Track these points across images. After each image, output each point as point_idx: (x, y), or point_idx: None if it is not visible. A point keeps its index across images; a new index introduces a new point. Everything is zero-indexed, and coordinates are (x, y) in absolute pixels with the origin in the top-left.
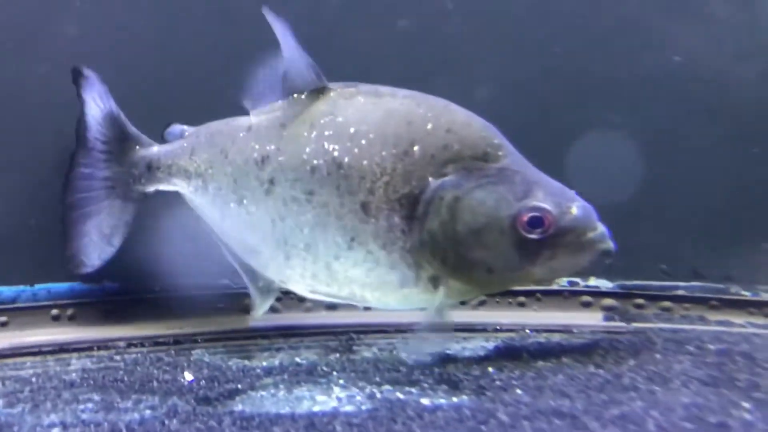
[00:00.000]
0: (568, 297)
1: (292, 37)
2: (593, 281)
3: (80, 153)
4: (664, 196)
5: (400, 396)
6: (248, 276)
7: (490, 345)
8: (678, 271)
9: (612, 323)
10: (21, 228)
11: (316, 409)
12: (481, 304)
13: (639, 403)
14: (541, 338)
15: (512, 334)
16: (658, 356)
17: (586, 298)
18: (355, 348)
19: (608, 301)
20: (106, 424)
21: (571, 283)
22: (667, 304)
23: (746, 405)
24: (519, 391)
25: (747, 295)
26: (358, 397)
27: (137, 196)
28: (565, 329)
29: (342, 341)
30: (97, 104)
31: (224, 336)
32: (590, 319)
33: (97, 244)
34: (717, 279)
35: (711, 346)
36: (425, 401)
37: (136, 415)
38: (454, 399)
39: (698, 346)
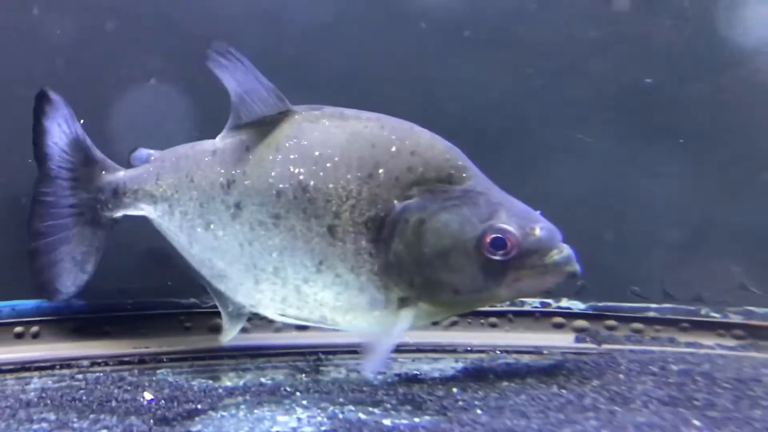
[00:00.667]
0: (540, 318)
1: (250, 64)
2: (565, 302)
3: (45, 181)
4: (636, 218)
5: (362, 416)
6: (218, 300)
7: (459, 366)
8: (649, 292)
9: (583, 344)
10: None
11: (274, 429)
12: (453, 324)
13: (593, 423)
14: (511, 359)
15: (482, 355)
16: (621, 377)
17: (558, 320)
18: (322, 368)
19: (580, 323)
20: None
21: (543, 304)
22: (638, 325)
23: (697, 423)
24: (479, 411)
25: (717, 316)
26: (319, 418)
27: (106, 222)
28: (536, 350)
29: (310, 362)
30: (62, 129)
31: (191, 356)
32: (562, 340)
33: (70, 271)
34: (687, 301)
35: (674, 367)
36: (386, 421)
37: None
38: (415, 419)
39: (662, 367)
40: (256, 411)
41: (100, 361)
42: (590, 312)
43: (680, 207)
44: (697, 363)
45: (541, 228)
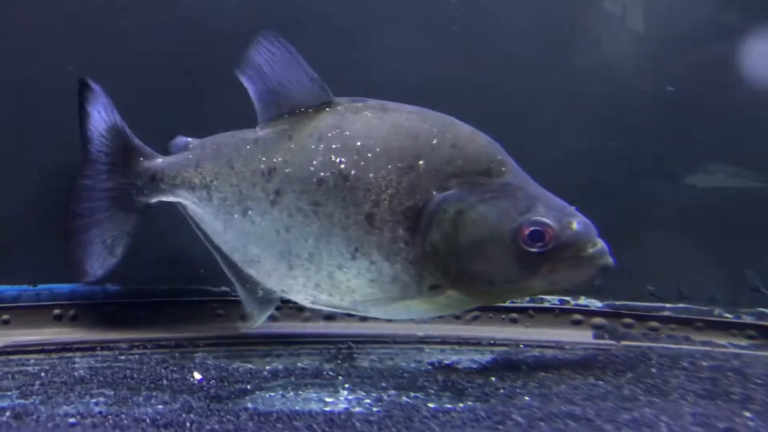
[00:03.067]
0: (559, 314)
1: (297, 53)
2: (583, 300)
3: (84, 164)
4: (653, 220)
5: (408, 400)
6: (246, 286)
7: (488, 357)
8: (665, 292)
9: (601, 341)
10: (25, 229)
11: (328, 408)
12: (475, 318)
13: (647, 410)
14: (536, 352)
15: (507, 348)
16: (653, 371)
17: (577, 316)
18: (354, 356)
19: (598, 320)
20: (124, 416)
21: (562, 302)
22: (654, 324)
23: (747, 414)
24: (527, 398)
25: (730, 317)
26: (367, 400)
27: (140, 207)
28: (558, 345)
29: (341, 350)
30: (101, 117)
31: (225, 341)
32: (580, 336)
33: (99, 253)
34: (702, 301)
35: (704, 363)
36: (433, 405)
37: (150, 410)
38: (461, 404)
39: (691, 362)
40: (301, 392)
41: (138, 344)
42: (607, 310)
43: (693, 208)
44: (724, 359)
45: (578, 222)
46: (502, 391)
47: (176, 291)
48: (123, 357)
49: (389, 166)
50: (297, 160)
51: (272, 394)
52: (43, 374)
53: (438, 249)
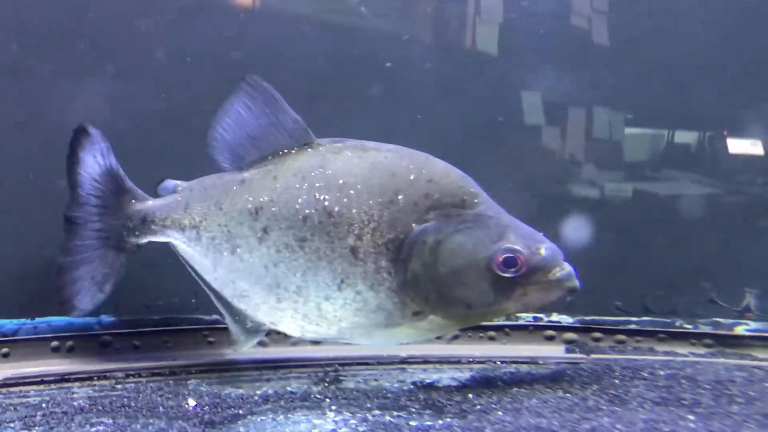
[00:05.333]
0: (533, 331)
1: (280, 97)
2: (555, 317)
3: (76, 205)
4: (619, 241)
5: (391, 419)
6: (236, 318)
7: (466, 375)
8: (631, 307)
9: (573, 355)
10: (23, 264)
11: (316, 431)
12: (455, 338)
13: (606, 419)
14: (512, 368)
15: (484, 365)
16: (617, 381)
17: (550, 332)
18: (341, 378)
19: (569, 335)
20: None
21: (536, 319)
22: (621, 337)
23: (691, 418)
24: (500, 413)
25: (689, 327)
26: (353, 421)
27: (130, 247)
28: (532, 360)
29: (328, 373)
30: (97, 161)
31: (216, 368)
32: (554, 351)
33: (89, 290)
34: (664, 314)
35: (661, 372)
36: (414, 423)
37: None
38: (440, 421)
39: (651, 372)
40: (290, 415)
41: (133, 372)
42: (578, 325)
43: (656, 227)
44: (680, 368)
45: (546, 248)
46: (478, 407)
47: (169, 320)
48: (119, 386)
49: (370, 202)
50: (282, 199)
51: (263, 418)
52: (44, 405)
53: (419, 277)
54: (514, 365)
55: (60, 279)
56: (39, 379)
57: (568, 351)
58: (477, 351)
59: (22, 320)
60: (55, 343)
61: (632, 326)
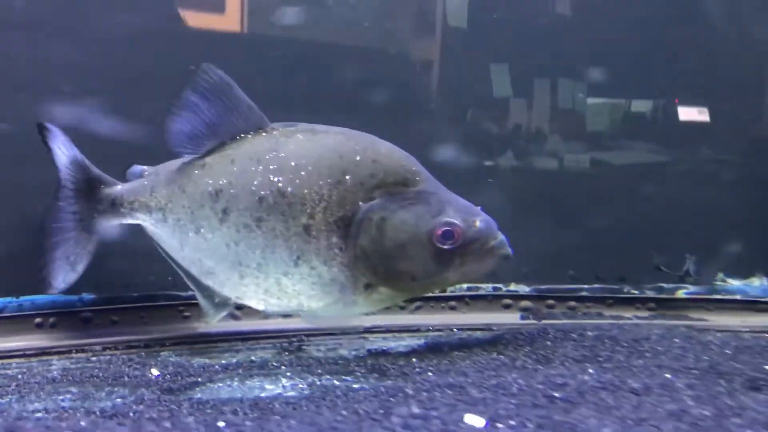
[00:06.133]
0: (492, 300)
1: (235, 84)
2: (513, 286)
3: (57, 189)
4: (575, 213)
5: (336, 383)
6: (205, 294)
7: (421, 342)
8: (583, 275)
9: (527, 321)
10: (8, 245)
11: (263, 394)
12: (418, 308)
13: (514, 375)
14: (465, 335)
15: (441, 333)
16: (548, 343)
17: (507, 301)
18: (304, 348)
19: (525, 303)
20: (82, 409)
21: (494, 289)
22: (572, 303)
23: (591, 371)
24: (430, 374)
25: (635, 293)
26: (301, 385)
27: (101, 229)
28: (486, 327)
29: (292, 343)
30: (62, 152)
31: (190, 340)
32: (510, 318)
33: (62, 268)
34: (613, 281)
35: (590, 333)
36: (356, 385)
37: (109, 403)
38: (378, 382)
39: (581, 334)
40: (247, 382)
41: (110, 345)
42: (533, 294)
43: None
44: (608, 330)
45: (480, 220)
46: (417, 369)
47: (147, 297)
48: (95, 358)
49: (320, 182)
50: (240, 182)
51: (220, 385)
52: (20, 376)
53: (367, 252)
54: (468, 332)
55: (40, 259)
56: (21, 353)
57: (522, 318)
58: (437, 320)
59: (8, 298)
60: (38, 320)
61: (584, 293)
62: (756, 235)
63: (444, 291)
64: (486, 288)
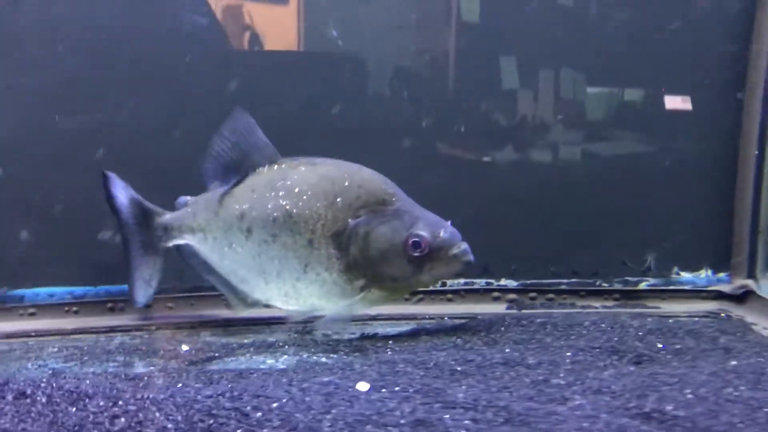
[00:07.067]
0: (483, 293)
1: (257, 127)
2: (503, 281)
3: (123, 226)
4: (556, 217)
5: (316, 358)
6: (239, 296)
7: (408, 328)
8: (562, 271)
9: (510, 311)
10: (88, 241)
11: (258, 366)
12: (420, 300)
13: (444, 354)
14: (451, 323)
15: (432, 321)
16: (501, 329)
17: (496, 294)
18: (312, 331)
19: (512, 296)
20: (123, 373)
21: (487, 283)
22: (551, 295)
23: (507, 350)
24: (388, 352)
25: (605, 285)
26: (292, 360)
27: (163, 251)
28: (472, 316)
29: (305, 327)
30: (122, 195)
31: (227, 324)
32: (497, 308)
33: (142, 287)
34: (587, 275)
35: (537, 320)
36: (328, 360)
37: (141, 369)
38: (345, 358)
39: (530, 321)
40: (254, 357)
41: (164, 327)
42: (519, 288)
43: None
44: (552, 317)
45: (444, 231)
46: (384, 349)
47: (196, 287)
48: (147, 336)
49: (318, 204)
50: (258, 205)
51: (232, 359)
52: (86, 348)
53: (357, 259)
54: (456, 320)
55: (128, 282)
56: (94, 330)
57: (508, 308)
58: (434, 310)
59: (88, 287)
60: (110, 305)
61: (562, 287)
62: (704, 230)
63: (444, 285)
64: (480, 283)
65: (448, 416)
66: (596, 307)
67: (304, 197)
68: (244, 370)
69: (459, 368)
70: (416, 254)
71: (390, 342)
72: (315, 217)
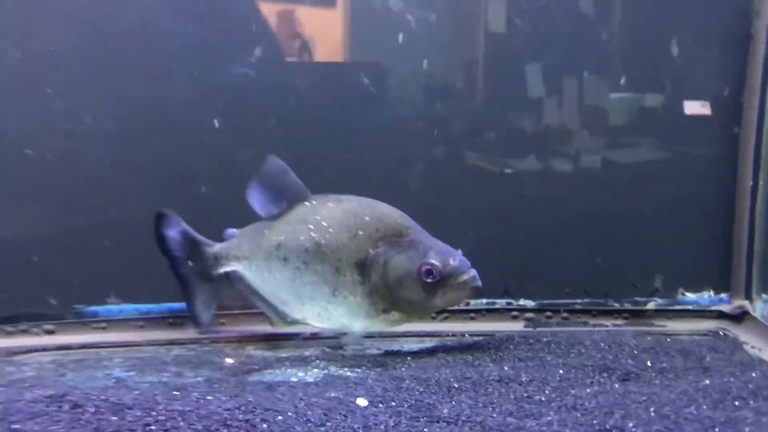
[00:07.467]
0: (504, 312)
1: (290, 169)
2: (522, 301)
3: (178, 260)
4: (572, 241)
5: (340, 372)
6: (280, 316)
7: (429, 345)
8: (576, 292)
9: (527, 329)
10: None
11: (292, 380)
12: (445, 318)
13: (448, 371)
14: (470, 340)
15: (453, 338)
16: (510, 347)
17: (515, 313)
18: (344, 346)
19: (529, 315)
20: (172, 383)
21: (507, 303)
22: (565, 314)
23: (506, 368)
24: (403, 369)
25: (616, 305)
26: (321, 373)
27: (215, 278)
28: (490, 334)
29: (336, 342)
30: (176, 229)
31: (270, 338)
32: (515, 327)
33: (202, 311)
34: (599, 296)
35: (543, 339)
36: (351, 374)
37: (189, 380)
38: (362, 372)
39: (537, 339)
40: (288, 370)
41: (217, 341)
42: (536, 307)
43: (592, 227)
44: (557, 336)
45: (453, 260)
46: (403, 367)
47: (244, 306)
48: (200, 349)
49: (343, 236)
50: (293, 237)
51: (270, 371)
52: (145, 358)
53: (378, 285)
54: (474, 337)
55: (188, 308)
56: (156, 343)
57: (525, 326)
58: (456, 328)
59: (152, 305)
60: (171, 320)
61: (577, 306)
62: (707, 254)
63: (468, 304)
64: (500, 303)
65: (426, 430)
66: (607, 326)
67: (331, 230)
68: (273, 383)
69: (456, 385)
70: (429, 281)
71: (408, 358)
72: (340, 247)
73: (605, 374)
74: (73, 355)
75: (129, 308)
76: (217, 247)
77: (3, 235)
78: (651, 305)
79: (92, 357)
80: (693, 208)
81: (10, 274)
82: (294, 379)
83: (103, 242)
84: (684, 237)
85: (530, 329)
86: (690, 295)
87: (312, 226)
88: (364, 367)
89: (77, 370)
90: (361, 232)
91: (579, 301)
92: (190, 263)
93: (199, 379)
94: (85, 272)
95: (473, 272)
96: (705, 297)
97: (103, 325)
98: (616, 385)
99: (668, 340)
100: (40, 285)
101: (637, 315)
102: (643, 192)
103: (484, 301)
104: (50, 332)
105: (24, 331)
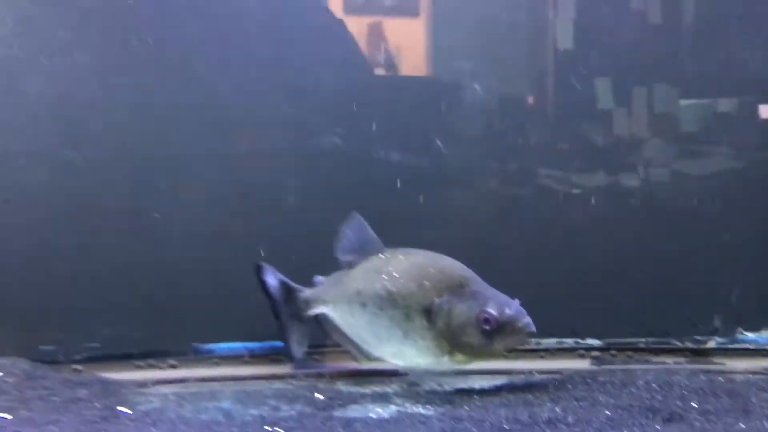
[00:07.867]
0: (571, 351)
1: (368, 225)
2: (589, 340)
3: (276, 303)
4: (635, 282)
5: (414, 410)
6: (363, 354)
7: (498, 382)
8: (639, 330)
9: (593, 367)
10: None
11: (371, 416)
12: (518, 357)
13: (504, 411)
14: (536, 378)
15: (522, 375)
16: (569, 386)
17: (582, 351)
18: (417, 384)
19: (595, 353)
20: (269, 417)
21: (576, 342)
22: (629, 352)
23: (557, 409)
24: (466, 408)
25: (678, 344)
26: (395, 409)
27: (307, 319)
28: (557, 371)
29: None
30: (273, 279)
31: (358, 374)
32: (581, 365)
33: (296, 348)
34: (660, 335)
35: (600, 378)
36: (422, 411)
37: (278, 414)
38: (428, 409)
39: (593, 379)
40: (369, 406)
41: (309, 375)
42: (602, 345)
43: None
44: (613, 375)
45: (509, 309)
46: (467, 406)
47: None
48: (296, 383)
49: (411, 285)
50: (369, 285)
51: (354, 405)
52: (250, 392)
53: (442, 330)
54: (542, 375)
55: (284, 345)
56: (259, 377)
57: (591, 364)
58: (526, 365)
59: (256, 343)
60: (272, 357)
61: (640, 345)
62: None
63: (539, 343)
64: (568, 342)
65: None
66: (668, 363)
67: (401, 280)
68: (352, 419)
69: (506, 426)
70: (487, 328)
71: (475, 396)
72: (409, 295)
73: (650, 415)
74: (192, 387)
75: (238, 346)
76: (307, 293)
77: (141, 284)
78: (711, 344)
79: (207, 390)
80: (749, 248)
81: (141, 316)
82: (372, 415)
83: (218, 287)
84: (742, 276)
85: (596, 367)
86: (749, 334)
87: (385, 276)
88: (435, 405)
89: (193, 402)
90: (426, 282)
91: (642, 339)
92: (287, 307)
93: (292, 413)
94: (202, 314)
95: (527, 319)
96: (764, 336)
97: (216, 360)
98: (658, 427)
99: (720, 380)
100: (167, 325)
101: (698, 353)
102: (703, 236)
103: (554, 340)
104: (174, 366)
105: (152, 366)
